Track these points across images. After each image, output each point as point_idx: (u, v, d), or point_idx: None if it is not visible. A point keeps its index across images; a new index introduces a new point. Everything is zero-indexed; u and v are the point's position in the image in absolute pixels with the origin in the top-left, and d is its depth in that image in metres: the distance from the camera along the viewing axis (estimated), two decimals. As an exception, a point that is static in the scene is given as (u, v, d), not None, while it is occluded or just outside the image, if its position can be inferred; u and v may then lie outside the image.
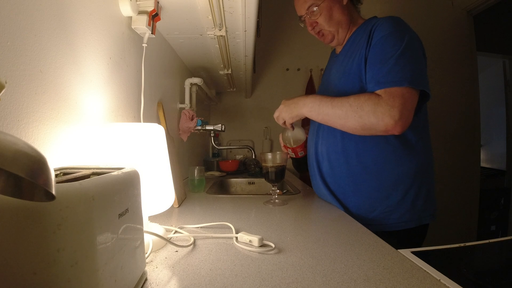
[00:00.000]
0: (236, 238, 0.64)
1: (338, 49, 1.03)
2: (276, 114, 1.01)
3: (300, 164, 1.15)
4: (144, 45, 0.90)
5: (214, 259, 0.55)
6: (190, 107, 1.53)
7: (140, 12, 0.85)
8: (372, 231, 0.70)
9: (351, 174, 0.90)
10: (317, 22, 0.95)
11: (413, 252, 0.56)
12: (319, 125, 0.98)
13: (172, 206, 0.97)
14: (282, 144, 1.10)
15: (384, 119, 0.75)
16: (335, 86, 0.96)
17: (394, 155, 0.87)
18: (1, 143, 0.18)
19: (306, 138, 1.09)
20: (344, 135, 0.90)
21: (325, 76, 1.10)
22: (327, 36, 0.97)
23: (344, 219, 0.82)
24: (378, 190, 0.88)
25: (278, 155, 1.03)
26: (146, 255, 0.54)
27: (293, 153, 1.10)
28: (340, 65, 0.97)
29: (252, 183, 1.75)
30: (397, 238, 0.85)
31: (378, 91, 0.78)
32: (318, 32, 0.98)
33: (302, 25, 1.01)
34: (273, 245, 0.60)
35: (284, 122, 1.00)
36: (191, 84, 1.56)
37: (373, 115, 0.76)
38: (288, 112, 0.96)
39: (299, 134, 1.07)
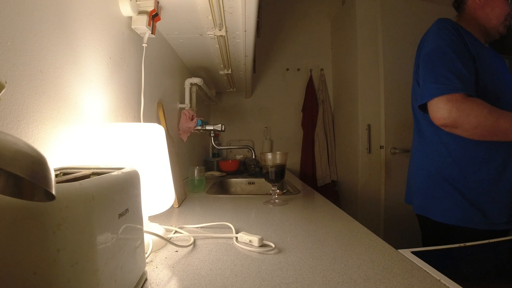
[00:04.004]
0: (236, 238, 0.64)
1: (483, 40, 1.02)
2: None
3: None
4: (144, 45, 0.90)
5: (214, 259, 0.55)
6: (190, 107, 1.53)
7: (140, 12, 0.85)
8: None
9: None
10: None
11: (413, 252, 0.56)
12: None
13: (172, 206, 0.97)
14: None
15: None
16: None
17: None
18: (1, 143, 0.18)
19: None
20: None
21: (493, 66, 0.98)
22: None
23: (344, 219, 0.82)
24: None
25: (278, 155, 1.03)
26: (146, 255, 0.54)
27: None
28: (501, 64, 1.01)
29: (252, 183, 1.75)
30: None
31: None
32: None
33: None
34: (273, 245, 0.60)
35: None
36: (191, 84, 1.56)
37: None
38: None
39: None
